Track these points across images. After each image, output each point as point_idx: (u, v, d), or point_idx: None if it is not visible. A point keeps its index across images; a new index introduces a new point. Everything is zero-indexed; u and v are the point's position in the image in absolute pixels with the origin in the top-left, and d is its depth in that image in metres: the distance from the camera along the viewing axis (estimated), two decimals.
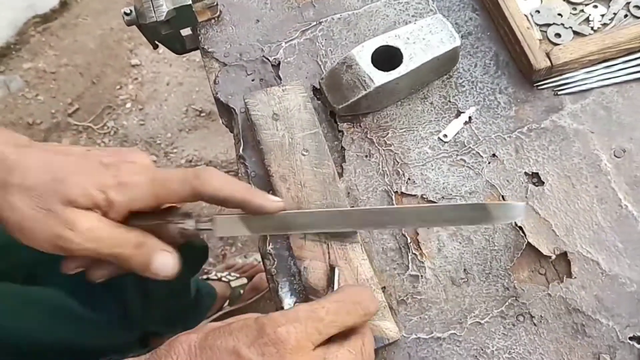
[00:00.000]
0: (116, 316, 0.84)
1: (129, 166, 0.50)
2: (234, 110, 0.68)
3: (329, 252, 0.59)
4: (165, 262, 0.51)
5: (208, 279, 1.51)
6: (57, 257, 0.50)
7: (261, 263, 1.56)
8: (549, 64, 0.63)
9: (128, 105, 1.92)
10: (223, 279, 1.52)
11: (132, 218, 0.51)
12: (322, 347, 0.44)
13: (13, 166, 0.47)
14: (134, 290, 0.86)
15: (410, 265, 0.60)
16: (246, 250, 1.69)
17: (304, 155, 0.62)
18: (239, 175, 0.66)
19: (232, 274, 1.55)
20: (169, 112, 1.91)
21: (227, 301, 1.51)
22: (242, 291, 1.53)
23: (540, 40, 0.66)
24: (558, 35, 0.66)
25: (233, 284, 1.51)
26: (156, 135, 1.87)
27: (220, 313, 1.52)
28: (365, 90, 0.62)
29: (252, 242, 1.70)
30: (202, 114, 1.89)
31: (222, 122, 0.70)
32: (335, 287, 0.56)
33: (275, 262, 0.60)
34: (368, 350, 0.47)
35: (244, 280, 1.54)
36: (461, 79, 0.68)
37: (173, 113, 1.91)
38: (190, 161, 1.82)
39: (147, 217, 0.52)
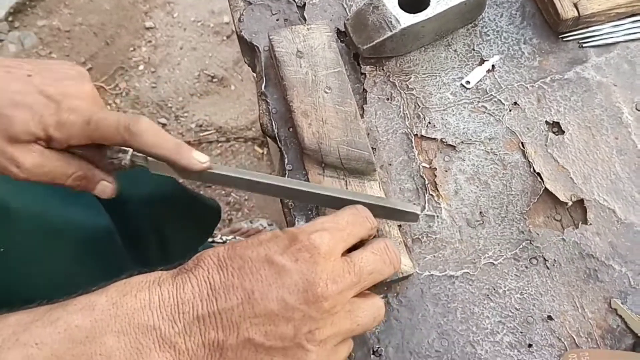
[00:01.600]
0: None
1: (68, 102, 0.50)
2: (258, 48, 0.68)
3: (347, 189, 0.59)
4: (103, 189, 0.55)
5: (214, 242, 1.52)
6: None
7: (266, 228, 1.58)
8: (576, 14, 0.63)
9: (141, 67, 1.92)
10: (228, 242, 1.53)
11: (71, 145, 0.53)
12: (346, 255, 0.45)
13: None
14: (155, 246, 0.87)
15: (426, 205, 0.60)
16: (252, 216, 1.70)
17: (326, 92, 0.62)
18: (260, 112, 0.66)
19: (238, 237, 1.56)
20: (181, 76, 1.91)
21: None
22: None
23: None
24: None
25: None
26: (167, 99, 1.87)
27: None
28: (391, 31, 0.62)
29: (259, 208, 1.70)
30: (214, 80, 1.89)
31: (245, 61, 0.70)
32: None
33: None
34: (392, 250, 0.48)
35: None
36: (486, 28, 0.68)
37: (185, 77, 1.91)
38: (201, 126, 1.82)
39: (86, 146, 0.53)
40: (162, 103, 1.87)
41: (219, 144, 1.82)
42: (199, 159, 0.51)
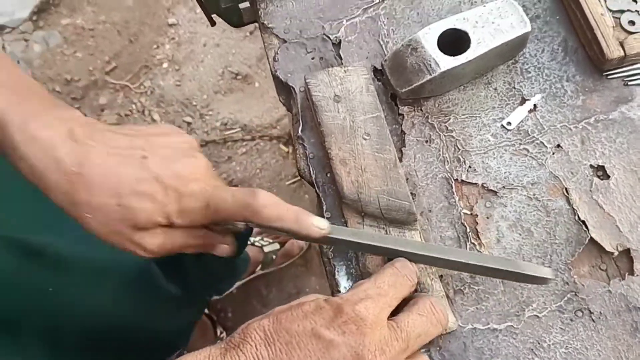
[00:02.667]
0: (180, 290, 0.85)
1: (186, 187, 0.50)
2: (293, 89, 0.67)
3: None
4: (221, 250, 0.58)
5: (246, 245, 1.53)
6: None
7: None
8: (622, 53, 0.61)
9: (165, 65, 1.92)
10: (256, 243, 1.54)
11: None
12: (392, 320, 0.46)
13: (76, 182, 0.48)
14: (194, 264, 0.87)
15: None
16: None
17: (365, 139, 0.61)
18: (297, 156, 0.65)
19: (265, 239, 1.57)
20: (205, 74, 1.91)
21: (260, 265, 1.54)
22: (274, 256, 1.55)
23: (613, 27, 0.64)
24: (632, 22, 0.64)
25: (266, 249, 1.53)
26: (192, 97, 1.87)
27: (252, 276, 1.55)
28: (431, 74, 0.61)
29: None
30: (238, 77, 1.88)
31: (280, 100, 0.69)
32: None
33: (332, 246, 0.60)
34: (438, 309, 0.48)
35: (277, 246, 1.56)
36: (527, 64, 0.66)
37: (209, 75, 1.91)
38: (225, 124, 1.82)
39: None
40: (187, 101, 1.87)
41: (244, 143, 1.82)
42: (319, 225, 0.51)
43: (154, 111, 1.86)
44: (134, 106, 1.87)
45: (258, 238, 1.56)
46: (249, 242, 1.54)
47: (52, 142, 0.48)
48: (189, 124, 1.84)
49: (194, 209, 0.50)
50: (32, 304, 0.60)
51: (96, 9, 1.99)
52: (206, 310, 1.48)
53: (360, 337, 0.42)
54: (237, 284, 1.52)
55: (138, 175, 0.49)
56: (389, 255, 0.55)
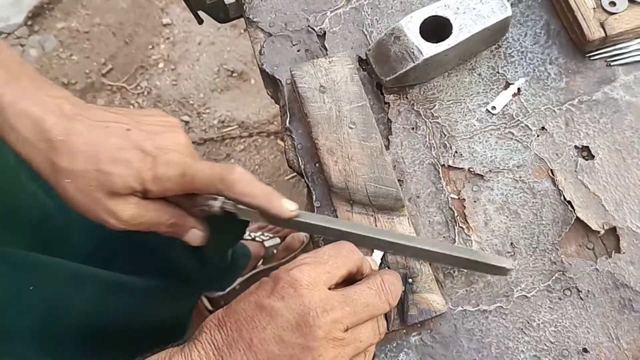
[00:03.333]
0: (174, 282, 0.86)
1: (164, 156, 0.52)
2: (280, 81, 0.68)
3: (376, 225, 0.59)
4: (193, 237, 0.57)
5: (242, 238, 1.54)
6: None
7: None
8: (603, 34, 0.62)
9: (160, 65, 1.93)
10: (257, 238, 1.54)
11: None
12: (339, 289, 0.47)
13: (60, 148, 0.50)
14: (187, 255, 0.88)
15: (456, 238, 0.60)
16: None
17: (351, 128, 0.62)
18: (286, 147, 0.66)
19: (266, 234, 1.57)
20: (201, 72, 1.91)
21: (261, 260, 1.54)
22: (275, 251, 1.55)
23: (594, 9, 0.64)
24: (612, 3, 0.64)
25: (267, 243, 1.54)
26: (189, 96, 1.88)
27: (254, 272, 1.56)
28: (414, 62, 0.62)
29: None
30: (234, 74, 1.89)
31: (268, 93, 0.70)
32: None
33: (305, 232, 0.61)
34: (388, 287, 0.49)
35: (277, 240, 1.56)
36: (510, 49, 0.67)
37: (205, 73, 1.91)
38: (223, 122, 1.83)
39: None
40: (184, 100, 1.88)
41: (242, 140, 1.83)
42: (288, 207, 0.53)
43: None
44: (131, 107, 1.87)
45: (259, 233, 1.57)
46: (249, 238, 1.55)
47: (42, 115, 0.50)
48: (186, 122, 1.85)
49: (170, 176, 0.51)
50: (18, 304, 0.61)
51: (91, 11, 2.00)
52: (209, 306, 1.49)
53: (299, 299, 0.44)
54: (239, 279, 1.53)
55: (119, 144, 0.51)
56: (359, 244, 0.55)
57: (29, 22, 1.98)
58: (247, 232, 1.57)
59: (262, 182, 0.52)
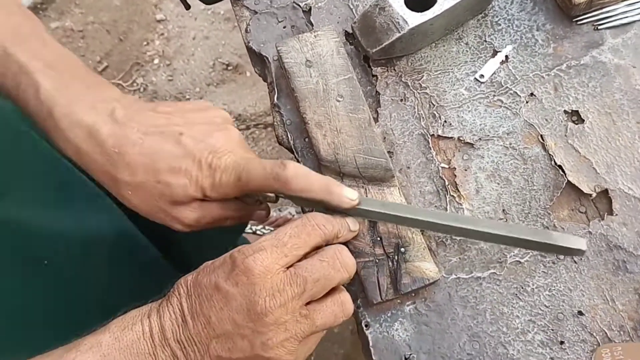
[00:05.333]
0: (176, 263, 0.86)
1: (219, 161, 0.53)
2: (267, 58, 0.68)
3: (367, 196, 0.59)
4: (257, 216, 0.62)
5: (244, 232, 1.54)
6: None
7: (295, 217, 1.59)
8: None
9: (156, 61, 1.93)
10: (257, 232, 1.54)
11: None
12: (294, 265, 0.48)
13: (118, 161, 0.52)
14: (193, 249, 0.89)
15: (448, 207, 0.60)
16: (278, 203, 1.71)
17: (338, 101, 0.62)
18: (275, 123, 0.66)
19: (267, 227, 1.57)
20: (197, 67, 1.91)
21: None
22: None
23: None
24: None
25: None
26: (185, 91, 1.88)
27: None
28: (400, 32, 0.61)
29: None
30: (230, 68, 1.89)
31: (255, 71, 0.70)
32: None
33: (312, 208, 0.61)
34: (344, 255, 0.50)
35: None
36: (497, 17, 0.67)
37: (200, 67, 1.91)
38: None
39: None
40: (180, 95, 1.88)
41: (240, 132, 1.82)
42: (349, 196, 0.53)
43: None
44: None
45: (260, 226, 1.56)
46: (250, 231, 1.55)
47: (96, 125, 0.52)
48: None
49: (227, 182, 0.53)
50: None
51: (84, 10, 2.00)
52: None
53: (250, 287, 0.45)
54: None
55: (174, 152, 0.53)
56: (419, 227, 0.56)
57: None
58: (249, 225, 1.57)
59: (317, 173, 0.52)
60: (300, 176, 0.51)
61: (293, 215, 1.59)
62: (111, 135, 0.52)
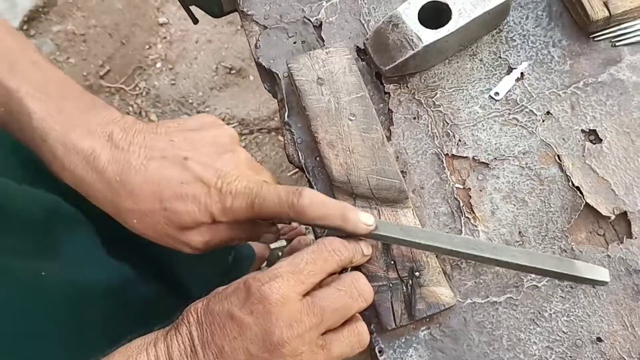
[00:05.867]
0: (172, 287, 0.85)
1: (230, 188, 0.51)
2: (277, 75, 0.66)
3: (380, 218, 0.58)
4: (265, 239, 0.61)
5: None
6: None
7: (301, 226, 1.57)
8: (607, 14, 0.60)
9: (158, 65, 1.91)
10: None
11: None
12: (310, 294, 0.47)
13: (120, 189, 0.49)
14: (187, 265, 0.87)
15: (463, 229, 0.59)
16: None
17: (351, 120, 0.60)
18: (285, 141, 0.64)
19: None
20: (200, 71, 1.90)
21: (266, 262, 1.53)
22: (280, 253, 1.53)
23: None
24: None
25: (272, 245, 1.52)
26: (188, 95, 1.87)
27: None
28: (413, 50, 0.60)
29: None
30: (233, 72, 1.87)
31: (265, 87, 0.69)
32: None
33: (325, 230, 0.60)
34: (361, 283, 0.49)
35: (283, 243, 1.55)
36: (512, 32, 0.65)
37: (203, 71, 1.90)
38: (223, 119, 1.81)
39: None
40: (183, 99, 1.87)
41: (243, 137, 1.81)
42: (365, 222, 0.51)
43: (150, 112, 1.85)
44: (130, 108, 1.86)
45: None
46: None
47: (94, 152, 0.49)
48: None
49: (239, 208, 0.51)
50: None
51: (86, 13, 1.99)
52: None
53: (267, 316, 0.44)
54: None
55: (180, 178, 0.50)
56: (436, 253, 0.55)
57: (25, 27, 1.97)
58: None
59: (332, 199, 0.51)
60: (316, 204, 0.50)
61: (299, 225, 1.58)
62: (111, 162, 0.49)
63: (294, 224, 1.57)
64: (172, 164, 0.50)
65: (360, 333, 0.49)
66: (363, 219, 0.51)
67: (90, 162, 0.49)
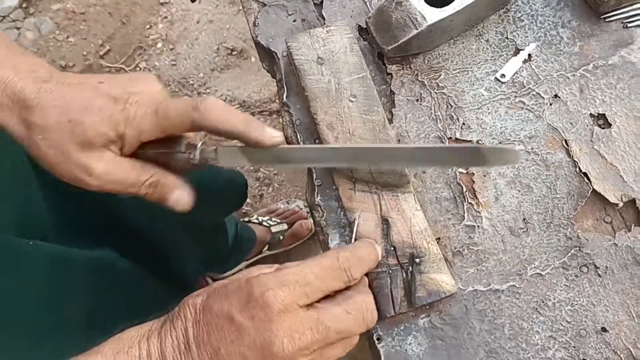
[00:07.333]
0: (167, 267, 0.84)
1: (135, 97, 0.50)
2: (276, 54, 0.64)
3: (380, 204, 0.56)
4: (178, 199, 0.53)
5: (249, 221, 1.51)
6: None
7: (303, 210, 1.56)
8: None
9: (159, 45, 1.89)
10: (264, 223, 1.52)
11: (141, 147, 0.52)
12: (315, 307, 0.45)
13: (33, 106, 0.48)
14: (191, 245, 0.86)
15: (465, 215, 0.57)
16: (282, 191, 1.68)
17: (351, 101, 0.58)
18: (283, 123, 0.63)
19: (274, 219, 1.55)
20: (201, 52, 1.87)
21: (267, 246, 1.52)
22: (281, 237, 1.53)
23: None
24: None
25: (274, 229, 1.51)
26: (188, 76, 1.84)
27: (258, 257, 1.53)
28: (417, 29, 0.58)
29: (289, 182, 1.69)
30: (234, 53, 1.84)
31: (264, 67, 0.67)
32: (353, 239, 0.55)
33: (324, 214, 0.58)
34: (370, 315, 0.47)
35: (285, 226, 1.54)
36: (520, 12, 0.63)
37: (204, 52, 1.87)
38: (224, 101, 1.79)
39: (155, 146, 0.52)
40: (184, 80, 1.84)
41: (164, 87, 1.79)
42: (270, 132, 0.50)
43: None
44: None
45: (266, 218, 1.54)
46: (257, 222, 1.52)
47: (15, 77, 0.49)
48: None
49: (143, 115, 0.49)
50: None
51: None
52: None
53: (267, 324, 0.43)
54: (244, 263, 1.51)
55: (90, 95, 0.49)
56: (354, 162, 0.53)
57: (24, 5, 1.94)
58: (255, 216, 1.55)
59: (236, 109, 0.50)
60: (220, 108, 0.48)
61: (301, 209, 1.56)
62: (29, 86, 0.49)
63: (294, 207, 1.56)
64: (86, 87, 0.50)
65: (352, 345, 0.48)
66: (269, 130, 0.50)
67: (10, 86, 0.49)
